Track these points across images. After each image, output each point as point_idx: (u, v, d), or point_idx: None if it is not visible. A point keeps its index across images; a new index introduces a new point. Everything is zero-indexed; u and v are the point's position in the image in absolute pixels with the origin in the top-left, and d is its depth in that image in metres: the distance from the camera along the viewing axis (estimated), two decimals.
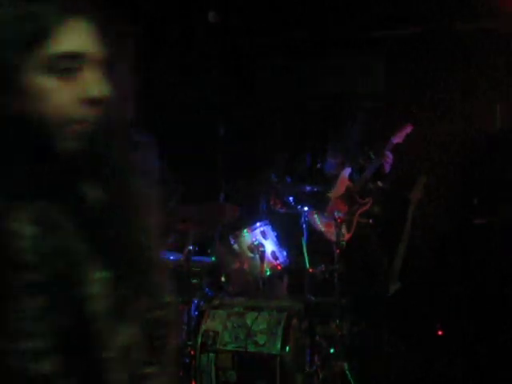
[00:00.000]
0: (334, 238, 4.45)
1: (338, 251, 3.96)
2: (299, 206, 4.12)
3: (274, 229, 4.08)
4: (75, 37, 1.10)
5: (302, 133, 5.61)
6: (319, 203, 4.62)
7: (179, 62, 5.54)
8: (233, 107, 5.76)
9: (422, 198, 5.18)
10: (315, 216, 4.61)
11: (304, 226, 4.07)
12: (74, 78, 1.09)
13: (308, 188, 4.44)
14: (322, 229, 4.67)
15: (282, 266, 3.99)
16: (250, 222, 4.01)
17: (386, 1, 5.00)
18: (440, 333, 4.74)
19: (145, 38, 5.60)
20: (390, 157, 4.68)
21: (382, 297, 4.85)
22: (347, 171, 4.88)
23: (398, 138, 4.71)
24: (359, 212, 4.73)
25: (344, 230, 4.63)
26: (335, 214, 4.02)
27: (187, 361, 3.44)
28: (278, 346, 3.31)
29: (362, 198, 4.77)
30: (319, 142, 5.08)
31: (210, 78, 5.63)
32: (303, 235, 4.04)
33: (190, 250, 3.55)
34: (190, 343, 3.45)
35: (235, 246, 3.90)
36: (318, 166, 4.90)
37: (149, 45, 5.60)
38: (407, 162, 5.18)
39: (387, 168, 4.72)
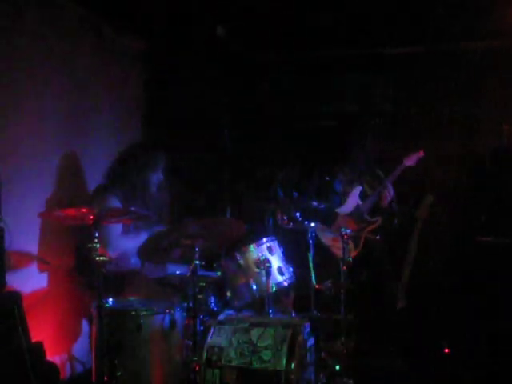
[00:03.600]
0: (340, 252, 4.46)
1: (344, 268, 3.95)
2: (306, 222, 4.11)
3: (280, 244, 4.07)
4: None
5: (310, 149, 5.63)
6: (326, 219, 4.62)
7: (188, 76, 5.57)
8: (241, 123, 5.79)
9: (429, 217, 5.18)
10: (320, 231, 4.63)
11: (311, 241, 4.06)
12: None
13: (315, 204, 4.45)
14: (329, 243, 4.68)
15: (288, 281, 3.98)
16: (256, 238, 4.00)
17: (395, 20, 5.03)
18: (447, 350, 4.71)
19: (155, 52, 5.66)
20: (390, 191, 4.74)
21: (388, 314, 4.83)
22: (358, 189, 4.90)
23: (410, 161, 4.76)
24: (367, 230, 4.75)
25: (351, 247, 4.64)
26: (342, 230, 4.02)
27: (192, 376, 3.44)
28: (284, 362, 3.30)
29: (370, 217, 4.80)
30: (329, 159, 5.10)
31: (220, 94, 5.66)
32: (310, 251, 4.03)
33: (196, 265, 3.55)
34: (195, 358, 3.44)
35: (241, 262, 3.89)
36: (327, 179, 4.91)
37: (159, 59, 5.65)
38: (414, 180, 5.20)
39: (385, 202, 4.77)
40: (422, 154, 4.79)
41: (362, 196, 4.92)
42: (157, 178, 4.35)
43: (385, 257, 4.98)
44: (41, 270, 4.28)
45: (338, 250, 4.68)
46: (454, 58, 5.44)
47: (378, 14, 4.86)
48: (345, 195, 4.93)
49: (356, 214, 4.83)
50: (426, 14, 4.77)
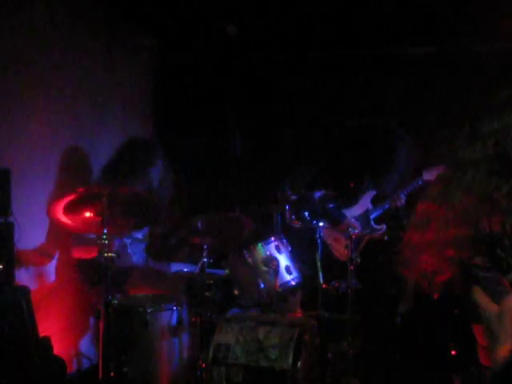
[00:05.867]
0: (338, 254, 4.47)
1: (351, 268, 3.95)
2: (314, 222, 4.11)
3: (288, 243, 4.07)
4: None
5: (317, 149, 5.61)
6: (334, 219, 4.61)
7: (195, 76, 5.58)
8: (250, 120, 5.79)
9: None
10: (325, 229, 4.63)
11: (319, 241, 4.05)
12: None
13: (326, 204, 4.44)
14: (329, 242, 4.66)
15: (296, 281, 3.98)
16: (264, 236, 4.01)
17: (404, 21, 5.01)
18: (453, 352, 4.70)
19: (161, 51, 5.67)
20: (402, 200, 4.73)
21: (395, 315, 4.82)
22: (371, 194, 4.89)
23: (429, 175, 4.71)
24: (369, 236, 4.71)
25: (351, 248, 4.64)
26: (350, 230, 4.01)
27: (198, 373, 3.45)
28: (290, 361, 3.30)
29: (376, 224, 4.79)
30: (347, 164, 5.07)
31: (227, 93, 5.66)
32: (317, 250, 4.03)
33: (204, 263, 3.55)
34: (201, 356, 3.45)
35: (249, 260, 3.90)
36: (352, 185, 4.90)
37: (165, 57, 5.66)
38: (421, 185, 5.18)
39: (396, 205, 4.76)
40: (441, 169, 4.75)
41: (374, 201, 4.90)
42: (152, 174, 4.33)
43: (388, 258, 4.97)
44: (46, 265, 4.29)
45: (336, 252, 4.68)
46: (464, 60, 5.42)
47: (394, 13, 4.85)
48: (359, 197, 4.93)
49: (363, 218, 4.81)
50: (440, 14, 4.75)
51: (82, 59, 4.59)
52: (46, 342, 3.63)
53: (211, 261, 3.64)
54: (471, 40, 5.21)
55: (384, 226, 4.78)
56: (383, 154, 5.03)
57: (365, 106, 5.61)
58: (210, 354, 3.41)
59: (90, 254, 3.88)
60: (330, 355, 3.81)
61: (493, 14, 4.51)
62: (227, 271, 3.96)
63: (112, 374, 3.34)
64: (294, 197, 4.63)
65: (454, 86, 5.33)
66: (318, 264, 4.02)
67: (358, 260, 4.01)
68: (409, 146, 5.01)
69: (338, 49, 5.65)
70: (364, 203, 4.85)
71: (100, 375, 3.44)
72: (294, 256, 4.06)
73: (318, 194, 4.63)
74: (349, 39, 5.47)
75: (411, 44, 5.52)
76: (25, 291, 3.48)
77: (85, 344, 4.46)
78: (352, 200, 4.86)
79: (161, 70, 5.70)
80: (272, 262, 3.78)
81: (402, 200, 4.75)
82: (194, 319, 3.60)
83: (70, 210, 3.54)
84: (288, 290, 4.05)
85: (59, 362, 3.73)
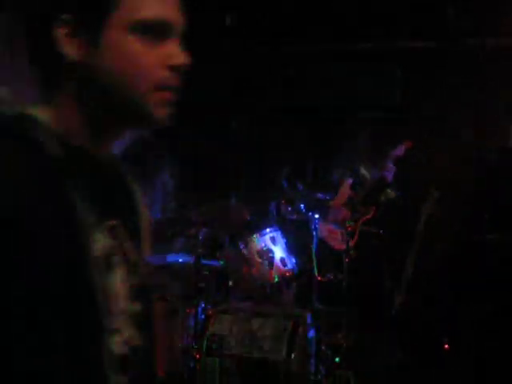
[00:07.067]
0: (336, 244, 4.47)
1: (347, 260, 3.94)
2: (310, 213, 4.10)
3: (283, 235, 4.07)
4: (164, 5, 1.10)
5: (309, 141, 5.62)
6: (321, 210, 4.62)
7: (193, 65, 5.55)
8: (246, 111, 5.77)
9: (434, 212, 5.16)
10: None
11: (314, 233, 4.05)
12: (158, 45, 1.10)
13: (319, 195, 4.45)
14: (324, 234, 4.68)
15: (291, 272, 3.98)
16: (259, 228, 4.00)
17: (403, 13, 5.00)
18: (446, 347, 4.71)
19: None
20: (391, 167, 4.76)
21: (388, 308, 4.83)
22: (349, 181, 4.90)
23: (399, 151, 4.79)
24: (361, 221, 4.73)
25: (346, 238, 4.66)
26: (346, 222, 4.01)
27: (192, 364, 3.44)
28: (284, 352, 3.30)
29: (364, 208, 4.79)
30: (326, 151, 5.11)
31: (224, 82, 5.64)
32: (313, 242, 4.02)
33: (199, 253, 3.55)
34: (195, 346, 3.45)
35: (244, 251, 3.89)
36: (321, 172, 4.93)
37: None
38: (420, 175, 5.19)
39: (389, 178, 4.78)
40: (408, 144, 4.84)
41: (354, 187, 4.92)
42: (160, 180, 4.32)
43: (382, 251, 4.99)
44: None
45: (334, 241, 4.69)
46: (462, 55, 5.41)
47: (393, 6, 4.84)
48: (338, 186, 4.95)
49: (349, 205, 4.84)
50: (440, 8, 4.74)
51: None
52: None
53: (206, 251, 3.63)
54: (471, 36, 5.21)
55: (373, 208, 4.80)
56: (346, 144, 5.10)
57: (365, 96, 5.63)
58: (204, 345, 3.41)
59: None
60: (323, 347, 3.81)
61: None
62: (222, 262, 3.95)
63: None
64: (290, 189, 4.63)
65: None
66: (313, 256, 4.01)
67: (354, 252, 4.01)
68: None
69: (335, 44, 5.64)
70: (344, 191, 4.88)
71: None
72: (290, 248, 4.05)
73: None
74: (347, 36, 5.47)
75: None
76: None
77: None
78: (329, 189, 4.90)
79: None
80: (267, 253, 3.78)
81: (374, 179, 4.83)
82: (188, 310, 3.60)
83: None
84: (283, 281, 4.05)
85: None
